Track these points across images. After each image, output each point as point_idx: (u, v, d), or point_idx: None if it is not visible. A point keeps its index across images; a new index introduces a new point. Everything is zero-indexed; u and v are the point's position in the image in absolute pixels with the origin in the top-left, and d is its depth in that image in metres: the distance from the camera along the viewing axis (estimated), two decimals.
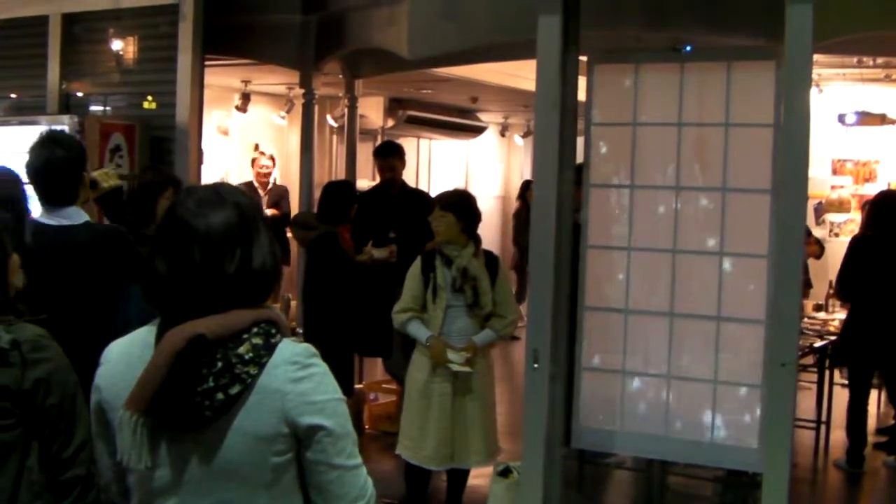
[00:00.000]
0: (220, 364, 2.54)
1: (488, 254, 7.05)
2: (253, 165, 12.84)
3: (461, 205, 6.99)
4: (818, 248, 10.44)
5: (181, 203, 2.69)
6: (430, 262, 6.91)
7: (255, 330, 2.61)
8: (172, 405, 2.53)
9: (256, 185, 12.38)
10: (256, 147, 14.12)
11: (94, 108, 9.22)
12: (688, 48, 6.43)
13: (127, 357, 2.68)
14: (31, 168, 5.27)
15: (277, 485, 2.64)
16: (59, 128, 6.98)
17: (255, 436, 2.58)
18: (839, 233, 13.70)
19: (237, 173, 14.06)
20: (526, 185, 15.71)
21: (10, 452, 3.14)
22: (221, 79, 12.25)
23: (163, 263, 2.64)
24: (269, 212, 12.20)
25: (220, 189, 2.75)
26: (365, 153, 11.98)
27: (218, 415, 2.54)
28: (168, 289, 2.63)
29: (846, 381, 9.12)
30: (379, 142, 14.25)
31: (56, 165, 5.23)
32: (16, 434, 3.14)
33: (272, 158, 12.83)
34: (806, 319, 9.43)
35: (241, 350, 2.56)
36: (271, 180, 12.74)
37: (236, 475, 2.60)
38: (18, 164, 5.31)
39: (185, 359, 2.52)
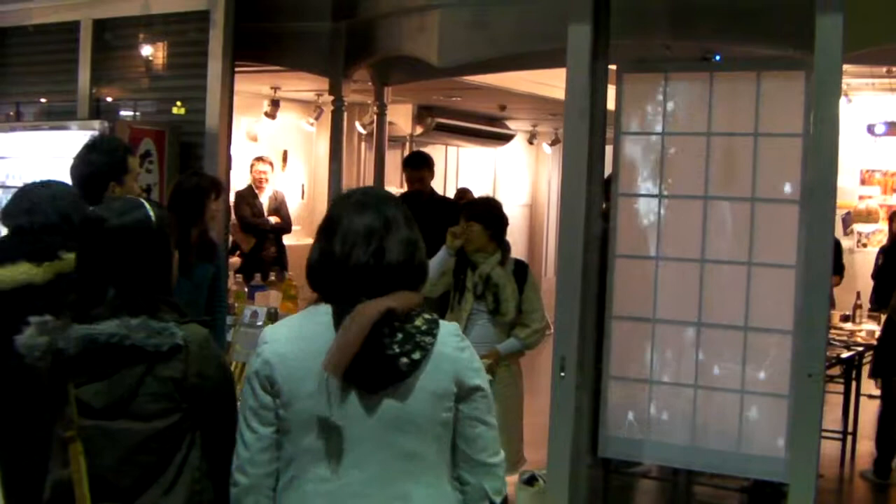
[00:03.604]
0: (399, 335, 3.04)
1: (518, 262, 7.04)
2: (251, 170, 12.71)
3: (487, 213, 7.00)
4: (838, 279, 10.34)
5: (337, 203, 3.24)
6: (463, 265, 6.91)
7: (418, 310, 3.13)
8: (368, 367, 3.00)
9: (255, 190, 12.30)
10: (285, 155, 14.17)
11: (124, 113, 9.26)
12: (717, 58, 6.44)
13: (299, 334, 3.15)
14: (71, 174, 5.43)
15: (443, 438, 3.15)
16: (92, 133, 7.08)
17: (432, 393, 3.09)
18: (867, 243, 13.65)
19: (273, 179, 14.08)
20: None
21: (180, 441, 3.34)
22: (251, 85, 12.29)
23: (316, 253, 3.18)
24: (272, 219, 12.18)
25: (369, 193, 3.30)
26: (393, 160, 12.02)
27: (405, 375, 3.04)
28: (319, 275, 3.18)
29: (877, 392, 9.08)
30: (408, 149, 14.29)
31: (87, 173, 5.34)
32: (183, 425, 3.34)
33: (270, 163, 12.75)
34: (833, 330, 9.40)
35: (417, 323, 3.09)
36: (269, 186, 12.57)
37: (415, 427, 3.08)
38: (50, 168, 5.36)
39: (379, 327, 3.00)
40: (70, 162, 5.59)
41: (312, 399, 3.03)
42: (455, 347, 3.16)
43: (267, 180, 12.40)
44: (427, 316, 3.13)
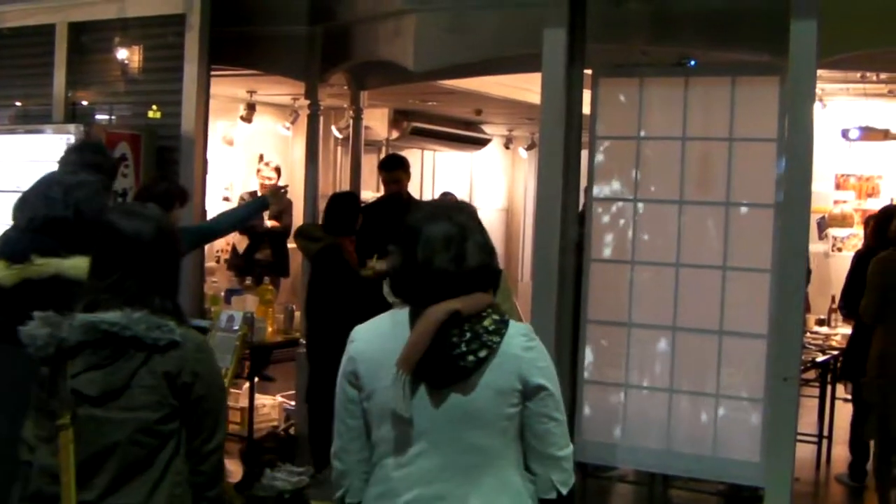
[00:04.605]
0: (468, 334, 3.23)
1: None
2: (257, 175, 12.85)
3: None
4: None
5: (412, 214, 3.43)
6: None
7: (489, 310, 3.30)
8: (435, 365, 3.21)
9: (260, 195, 12.37)
10: (261, 158, 14.15)
11: (99, 117, 9.24)
12: (692, 63, 6.45)
13: (380, 333, 3.41)
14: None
15: (509, 432, 3.31)
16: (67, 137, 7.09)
17: (496, 390, 3.26)
18: (842, 247, 13.68)
19: (242, 183, 14.06)
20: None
21: (166, 440, 3.43)
22: (227, 89, 12.25)
23: (398, 261, 3.38)
24: (269, 223, 12.23)
25: (443, 204, 3.58)
26: (369, 164, 11.98)
27: (470, 372, 3.23)
28: (401, 280, 3.38)
29: (849, 396, 9.12)
30: (384, 153, 14.26)
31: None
32: (170, 423, 3.42)
33: (277, 169, 12.82)
34: (808, 334, 9.42)
35: (486, 324, 3.26)
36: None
37: (480, 421, 3.27)
38: (27, 172, 5.35)
39: (445, 328, 3.21)
40: (51, 165, 5.58)
41: (387, 392, 3.25)
42: (521, 347, 3.31)
43: (274, 185, 12.47)
44: (496, 317, 3.30)
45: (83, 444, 3.32)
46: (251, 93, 13.46)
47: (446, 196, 12.86)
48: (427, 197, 15.67)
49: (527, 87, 10.85)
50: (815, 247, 11.77)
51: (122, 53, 9.06)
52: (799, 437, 5.93)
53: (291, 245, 11.95)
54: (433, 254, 3.29)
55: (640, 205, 5.87)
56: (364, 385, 3.36)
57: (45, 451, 3.40)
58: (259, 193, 12.31)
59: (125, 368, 3.34)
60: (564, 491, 3.42)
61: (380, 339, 3.39)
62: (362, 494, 3.45)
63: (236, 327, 6.87)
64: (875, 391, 7.69)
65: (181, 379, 3.39)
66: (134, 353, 3.34)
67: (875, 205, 12.80)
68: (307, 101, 9.65)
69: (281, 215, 12.35)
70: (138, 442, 3.35)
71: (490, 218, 18.68)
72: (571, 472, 3.46)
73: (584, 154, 5.96)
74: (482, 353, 3.23)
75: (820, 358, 8.98)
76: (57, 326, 3.33)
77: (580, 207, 6.16)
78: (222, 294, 9.32)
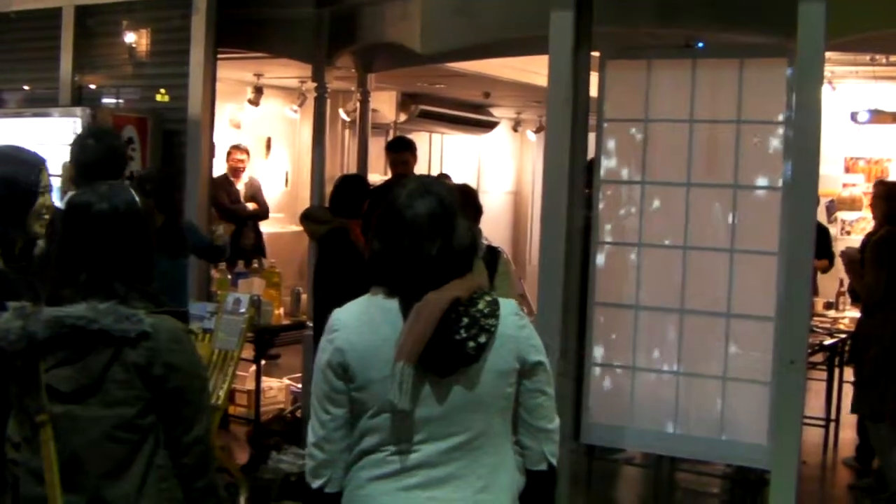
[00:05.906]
0: (465, 319, 3.22)
1: (490, 248, 7.00)
2: (228, 158, 12.61)
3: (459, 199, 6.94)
4: (826, 263, 10.26)
5: (396, 195, 3.34)
6: None
7: (479, 292, 3.31)
8: (438, 353, 3.18)
9: (231, 178, 12.27)
10: (268, 142, 14.15)
11: (106, 100, 9.25)
12: (700, 45, 6.44)
13: (366, 321, 3.31)
14: (92, 156, 5.47)
15: (506, 410, 3.38)
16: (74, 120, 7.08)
17: (498, 372, 3.29)
18: (851, 231, 13.68)
19: (249, 167, 14.07)
20: None
21: (146, 434, 3.33)
22: (234, 72, 12.25)
23: (378, 247, 3.34)
24: (249, 205, 12.19)
25: (426, 182, 3.44)
26: (377, 148, 11.98)
27: (473, 359, 3.22)
28: (386, 267, 3.32)
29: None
30: (391, 136, 14.27)
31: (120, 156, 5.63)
32: (147, 416, 3.32)
33: (247, 151, 12.71)
34: (815, 317, 9.42)
35: (480, 306, 3.26)
36: (245, 174, 12.52)
37: (482, 405, 3.30)
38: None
39: (447, 315, 3.18)
40: (58, 148, 5.59)
41: (384, 384, 3.19)
42: (516, 326, 3.34)
43: (244, 168, 12.39)
44: (488, 298, 3.31)
45: (62, 443, 3.24)
46: (258, 76, 13.47)
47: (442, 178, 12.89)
48: None
49: (535, 70, 10.83)
50: (828, 229, 11.72)
51: (128, 37, 9.07)
52: (806, 421, 5.94)
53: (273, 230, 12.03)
54: (420, 239, 3.25)
55: (648, 187, 5.86)
56: (355, 376, 3.27)
57: (27, 450, 3.32)
58: (230, 178, 12.22)
59: (96, 363, 3.24)
60: (554, 462, 3.48)
61: (368, 327, 3.30)
62: (341, 484, 3.38)
63: (243, 310, 6.88)
64: (882, 368, 7.67)
65: (153, 371, 3.26)
66: (102, 347, 3.23)
67: None
68: (314, 84, 9.65)
69: (256, 197, 12.32)
70: (117, 438, 3.26)
71: (498, 201, 18.68)
72: (558, 444, 3.52)
73: (592, 137, 5.95)
74: (482, 339, 3.22)
75: (828, 341, 8.98)
76: (29, 320, 3.23)
77: (587, 190, 6.14)
78: (229, 277, 9.33)
